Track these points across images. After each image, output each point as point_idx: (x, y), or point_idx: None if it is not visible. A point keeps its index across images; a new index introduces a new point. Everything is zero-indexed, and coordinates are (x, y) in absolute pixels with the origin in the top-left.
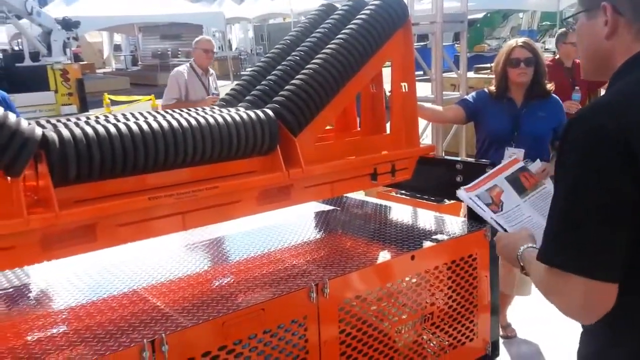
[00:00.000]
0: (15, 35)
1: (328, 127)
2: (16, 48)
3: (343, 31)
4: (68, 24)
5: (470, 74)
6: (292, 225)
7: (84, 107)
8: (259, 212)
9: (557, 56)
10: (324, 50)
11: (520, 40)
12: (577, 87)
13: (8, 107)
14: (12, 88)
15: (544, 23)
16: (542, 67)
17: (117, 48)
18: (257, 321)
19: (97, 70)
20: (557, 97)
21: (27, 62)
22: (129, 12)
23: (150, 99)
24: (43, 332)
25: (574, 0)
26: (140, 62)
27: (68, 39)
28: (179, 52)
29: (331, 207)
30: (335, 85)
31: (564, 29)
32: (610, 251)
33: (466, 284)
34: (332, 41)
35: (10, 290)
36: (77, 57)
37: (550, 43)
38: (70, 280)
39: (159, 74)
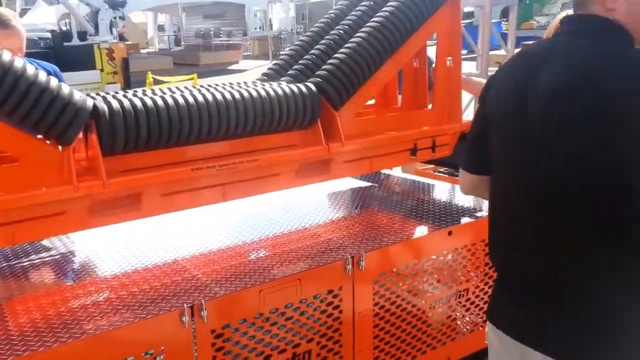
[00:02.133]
0: (63, 15)
1: (368, 102)
2: (64, 28)
3: (388, 4)
4: (115, 4)
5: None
6: (329, 200)
7: (127, 86)
8: (297, 186)
9: None
10: (367, 25)
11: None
12: None
13: (60, 80)
14: (60, 67)
15: None
16: None
17: (160, 28)
18: (294, 290)
19: (141, 51)
20: None
21: (75, 41)
22: None
23: (192, 78)
24: (88, 298)
25: None
26: (183, 42)
27: (115, 18)
28: (221, 32)
29: (368, 184)
30: (378, 59)
31: None
32: (473, 155)
33: None
34: (376, 15)
35: (58, 256)
36: (121, 37)
37: None
38: (115, 248)
39: (201, 53)
